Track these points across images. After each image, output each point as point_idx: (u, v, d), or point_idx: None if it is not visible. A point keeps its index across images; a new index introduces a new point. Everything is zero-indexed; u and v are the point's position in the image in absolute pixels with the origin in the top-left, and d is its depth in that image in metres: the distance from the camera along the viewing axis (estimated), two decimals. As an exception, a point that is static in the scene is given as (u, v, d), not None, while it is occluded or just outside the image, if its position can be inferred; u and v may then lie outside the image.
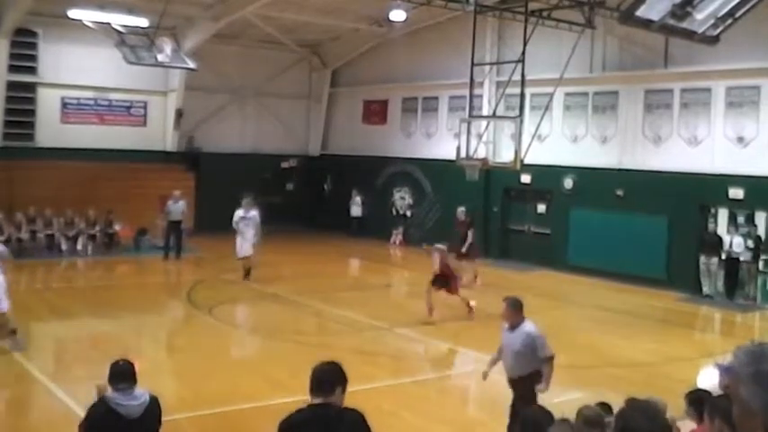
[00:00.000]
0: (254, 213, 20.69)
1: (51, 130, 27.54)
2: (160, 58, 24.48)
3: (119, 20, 24.53)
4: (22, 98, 27.05)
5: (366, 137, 31.23)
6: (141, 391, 6.12)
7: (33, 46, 27.18)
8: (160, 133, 29.61)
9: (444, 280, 16.42)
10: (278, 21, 27.41)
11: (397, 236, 28.88)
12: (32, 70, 27.27)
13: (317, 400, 5.30)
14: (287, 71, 31.80)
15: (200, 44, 27.35)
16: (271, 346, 15.08)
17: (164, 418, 6.42)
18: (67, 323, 16.95)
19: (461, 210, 21.58)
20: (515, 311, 8.85)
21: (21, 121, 27.05)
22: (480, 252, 22.44)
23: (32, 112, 27.41)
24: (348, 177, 31.19)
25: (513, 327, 8.80)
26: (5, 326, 13.38)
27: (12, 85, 26.47)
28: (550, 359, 8.71)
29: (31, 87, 27.31)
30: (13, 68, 26.36)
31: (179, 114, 29.30)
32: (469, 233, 20.89)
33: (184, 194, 24.73)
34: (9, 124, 26.63)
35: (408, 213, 29.22)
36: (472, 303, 16.58)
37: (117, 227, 25.11)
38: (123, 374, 6.10)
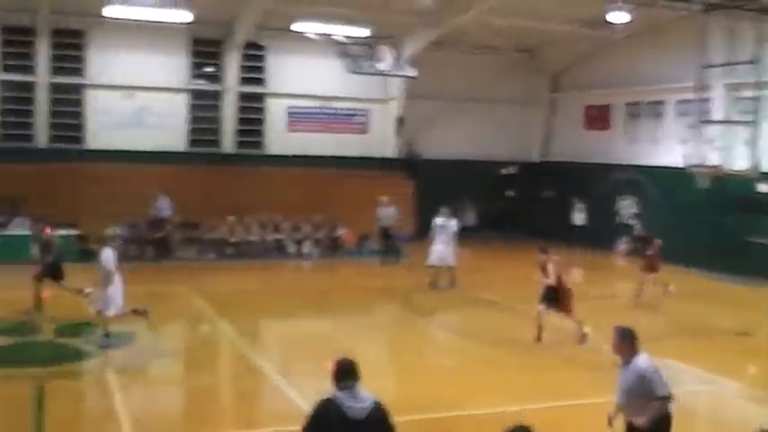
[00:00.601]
0: (453, 223, 20.59)
1: (279, 137, 28.91)
2: (381, 66, 25.00)
3: (340, 31, 25.30)
4: (252, 108, 28.64)
5: (588, 143, 30.38)
6: (367, 395, 6.05)
7: (261, 58, 28.67)
8: (381, 140, 30.25)
9: (555, 295, 14.85)
10: (495, 26, 27.24)
11: (622, 245, 27.79)
12: (261, 81, 28.76)
13: None
14: (504, 76, 31.52)
15: (418, 52, 27.69)
16: (485, 352, 14.90)
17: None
18: (293, 321, 17.60)
19: (637, 225, 20.50)
20: (625, 343, 7.46)
21: (251, 129, 28.64)
22: (698, 263, 20.92)
23: (261, 121, 28.89)
24: (569, 184, 30.44)
25: (626, 361, 7.44)
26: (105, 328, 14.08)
27: (243, 96, 28.21)
28: (664, 399, 7.31)
29: (260, 98, 28.81)
30: (244, 80, 28.08)
31: (400, 122, 29.83)
32: (653, 245, 19.79)
33: (403, 201, 25.09)
34: (241, 133, 28.32)
35: (633, 222, 28.06)
36: (586, 330, 14.73)
37: (341, 231, 25.97)
38: (348, 372, 6.11)
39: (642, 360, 7.36)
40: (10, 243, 21.49)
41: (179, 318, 17.25)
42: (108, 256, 14.02)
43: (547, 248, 15.32)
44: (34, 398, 11.01)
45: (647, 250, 19.66)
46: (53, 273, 15.93)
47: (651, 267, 19.35)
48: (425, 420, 10.47)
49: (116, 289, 14.00)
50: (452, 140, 30.83)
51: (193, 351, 14.95)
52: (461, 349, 15.29)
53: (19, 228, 22.69)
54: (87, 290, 15.64)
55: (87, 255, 22.88)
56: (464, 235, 21.48)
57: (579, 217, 29.72)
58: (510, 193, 32.16)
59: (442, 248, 20.10)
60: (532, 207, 31.88)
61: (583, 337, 14.66)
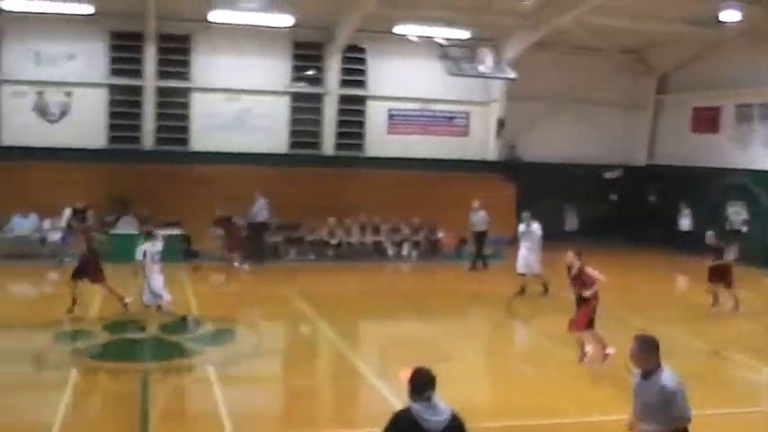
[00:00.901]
0: (536, 226, 20.10)
1: (378, 140, 28.99)
2: (481, 69, 24.80)
3: (441, 33, 25.20)
4: (353, 110, 28.80)
5: (695, 146, 29.38)
6: (444, 406, 5.91)
7: (362, 61, 28.80)
8: (481, 143, 30.01)
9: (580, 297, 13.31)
10: (597, 27, 26.69)
11: (731, 253, 26.71)
12: (361, 84, 28.89)
13: None
14: (607, 78, 30.83)
15: (519, 54, 27.37)
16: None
17: (475, 425, 6.21)
18: (391, 323, 17.55)
19: (711, 233, 19.64)
20: (646, 354, 6.77)
21: (351, 132, 28.80)
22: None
23: (361, 124, 29.01)
24: (676, 189, 29.54)
25: (647, 374, 6.78)
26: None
27: (344, 99, 28.41)
28: (685, 421, 6.73)
29: (361, 100, 28.94)
30: (344, 83, 28.29)
31: (500, 124, 29.53)
32: (726, 256, 18.94)
33: (504, 204, 24.79)
34: (341, 135, 28.52)
35: (743, 229, 27.03)
36: (610, 350, 13.18)
37: (440, 234, 25.83)
38: (426, 383, 5.97)
39: (667, 377, 6.71)
40: (118, 242, 22.06)
41: (279, 318, 17.41)
42: (139, 250, 14.51)
43: (581, 251, 13.83)
44: (141, 392, 11.22)
45: (718, 259, 18.93)
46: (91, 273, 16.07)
47: (720, 277, 18.73)
48: (513, 427, 10.32)
49: (151, 280, 14.33)
50: (554, 143, 30.31)
51: (293, 351, 15.07)
52: (556, 357, 14.93)
53: (126, 227, 23.32)
54: (127, 299, 15.78)
55: (190, 255, 23.47)
56: (565, 240, 20.99)
57: (685, 223, 28.89)
58: (613, 197, 31.41)
59: (526, 255, 19.64)
60: (637, 212, 31.05)
61: (605, 357, 13.19)
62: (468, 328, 17.48)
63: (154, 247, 14.53)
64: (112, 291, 15.98)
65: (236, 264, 22.51)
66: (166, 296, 14.66)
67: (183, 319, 14.83)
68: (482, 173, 28.85)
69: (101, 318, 15.55)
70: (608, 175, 31.19)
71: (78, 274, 15.93)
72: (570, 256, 13.42)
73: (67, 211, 22.96)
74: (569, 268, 13.38)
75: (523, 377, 13.14)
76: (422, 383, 5.88)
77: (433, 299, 19.90)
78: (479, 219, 23.64)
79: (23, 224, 23.57)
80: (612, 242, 28.26)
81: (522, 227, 20.15)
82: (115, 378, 12.42)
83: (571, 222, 30.22)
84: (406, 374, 5.99)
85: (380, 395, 11.49)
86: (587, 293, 13.10)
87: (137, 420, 10.07)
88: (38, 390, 11.80)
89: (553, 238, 20.74)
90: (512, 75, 25.65)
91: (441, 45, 24.99)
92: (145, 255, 14.46)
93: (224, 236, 23.30)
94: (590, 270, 13.33)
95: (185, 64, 27.57)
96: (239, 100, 27.71)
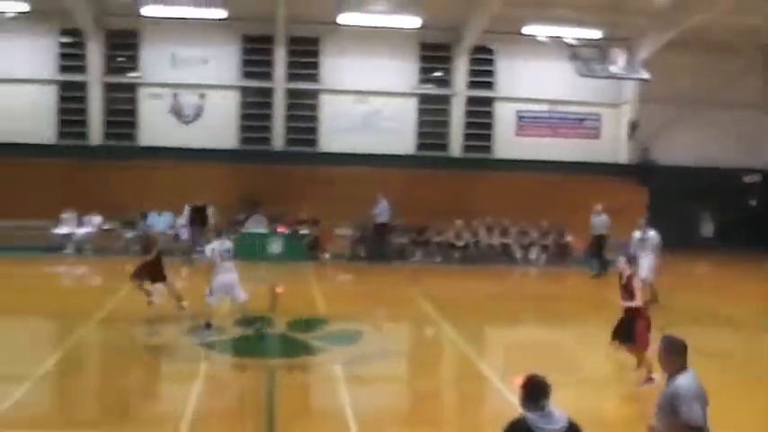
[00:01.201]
0: (652, 234, 19.17)
1: (507, 142, 28.72)
2: (613, 69, 24.14)
3: (571, 33, 24.72)
4: (481, 112, 28.59)
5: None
6: (560, 414, 5.68)
7: (490, 62, 28.56)
8: (612, 146, 29.30)
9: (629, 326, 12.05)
10: (733, 25, 25.60)
11: None
12: (489, 85, 28.65)
13: None
14: (744, 78, 29.47)
15: (652, 54, 26.57)
16: (714, 373, 13.77)
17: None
18: (518, 328, 17.26)
19: None
20: (670, 355, 6.52)
21: (479, 133, 28.59)
22: None
23: (489, 125, 28.75)
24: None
25: (670, 376, 6.47)
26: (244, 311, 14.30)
27: (471, 100, 28.27)
28: (694, 429, 6.25)
29: (489, 102, 28.67)
30: (472, 84, 28.13)
31: (633, 127, 28.75)
32: None
33: (636, 209, 23.99)
34: (468, 137, 28.40)
35: None
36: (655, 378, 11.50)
37: (569, 238, 25.25)
38: (541, 392, 5.73)
39: (682, 382, 6.39)
40: (246, 240, 22.51)
41: (404, 319, 17.34)
42: (208, 248, 14.55)
43: (632, 258, 12.92)
44: (267, 388, 11.33)
45: None
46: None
47: None
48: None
49: (220, 276, 14.26)
50: (689, 145, 29.27)
51: (417, 352, 14.97)
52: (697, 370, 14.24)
53: (255, 226, 23.76)
54: (184, 303, 15.68)
55: (318, 254, 23.73)
56: (700, 247, 20.21)
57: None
58: (752, 202, 30.02)
59: (642, 263, 18.81)
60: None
61: (648, 380, 11.64)
62: (595, 335, 16.90)
63: (222, 245, 14.51)
64: (173, 290, 15.84)
65: (326, 256, 22.98)
66: (240, 295, 14.57)
67: (208, 326, 14.58)
68: (613, 176, 28.12)
69: (231, 313, 15.82)
70: (747, 179, 29.81)
71: (142, 274, 15.72)
72: (622, 263, 12.47)
73: (187, 209, 23.49)
74: (621, 275, 12.39)
75: (652, 389, 12.57)
76: (536, 392, 5.72)
77: (560, 304, 19.48)
78: (600, 222, 22.95)
79: (158, 222, 24.30)
80: (751, 250, 26.95)
81: (636, 234, 19.33)
82: (243, 373, 12.60)
83: (706, 229, 29.10)
84: (519, 381, 5.80)
85: (505, 399, 11.24)
86: (632, 304, 12.08)
87: (263, 415, 10.16)
88: (171, 380, 12.21)
89: (687, 245, 19.97)
90: (645, 75, 24.86)
91: (571, 45, 24.50)
92: (213, 253, 14.45)
93: (314, 236, 23.62)
94: (636, 283, 12.28)
95: (314, 66, 28.01)
96: (367, 102, 27.94)
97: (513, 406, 10.28)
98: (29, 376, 11.23)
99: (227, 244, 14.62)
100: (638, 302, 12.05)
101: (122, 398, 11.09)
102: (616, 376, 13.70)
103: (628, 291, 12.16)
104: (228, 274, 14.36)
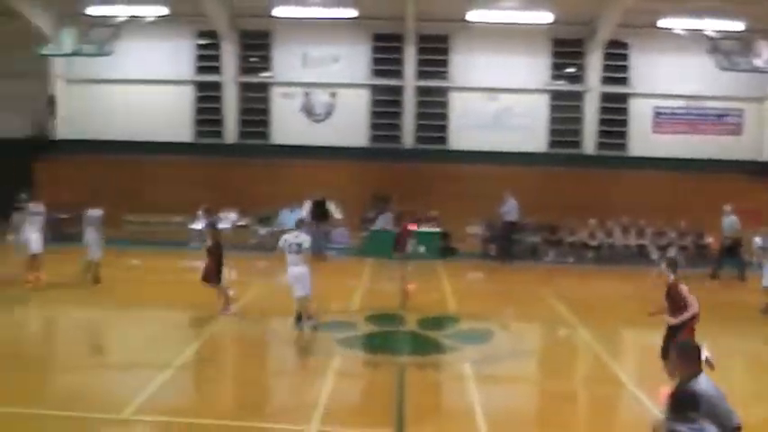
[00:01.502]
0: None
1: (643, 139, 27.92)
2: (757, 63, 23.17)
3: (711, 25, 23.81)
4: (615, 108, 27.87)
5: None
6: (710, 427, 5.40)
7: (625, 57, 27.82)
8: (756, 142, 28.04)
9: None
10: None
11: None
12: (624, 81, 27.91)
13: None
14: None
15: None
16: None
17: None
18: (654, 332, 16.56)
19: None
20: (681, 361, 6.42)
21: (613, 130, 27.89)
22: None
23: (624, 122, 28.01)
24: None
25: (684, 380, 6.36)
26: (308, 310, 14.17)
27: (605, 96, 27.59)
28: (734, 429, 6.11)
29: (623, 98, 27.94)
30: (606, 80, 27.46)
31: (778, 122, 27.45)
32: None
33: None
34: (602, 134, 27.77)
35: None
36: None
37: (709, 239, 24.21)
38: (689, 404, 5.46)
39: (703, 382, 6.28)
40: (374, 238, 22.61)
41: (536, 318, 17.03)
42: (282, 238, 14.39)
43: (676, 262, 11.47)
44: (397, 384, 11.33)
45: None
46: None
47: None
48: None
49: (288, 269, 14.07)
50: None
51: (549, 353, 14.71)
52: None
53: (384, 224, 23.82)
54: (232, 307, 15.52)
55: (448, 252, 23.59)
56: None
57: None
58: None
59: (765, 272, 17.79)
60: None
61: None
62: (731, 344, 16.14)
63: (296, 238, 14.32)
64: (222, 293, 15.67)
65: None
66: (300, 291, 14.15)
67: (299, 318, 14.30)
68: (757, 175, 26.87)
69: (363, 310, 15.93)
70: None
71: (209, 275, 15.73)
72: (663, 267, 11.13)
73: (308, 204, 23.40)
74: (672, 294, 10.88)
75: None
76: (684, 405, 5.70)
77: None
78: (729, 224, 21.91)
79: (291, 219, 24.62)
80: None
81: (757, 241, 18.35)
82: (374, 369, 12.68)
83: None
84: (665, 392, 5.56)
85: (639, 404, 10.88)
86: (673, 321, 10.78)
87: (393, 411, 10.16)
88: (305, 374, 12.40)
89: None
90: (792, 68, 23.69)
91: (710, 38, 23.63)
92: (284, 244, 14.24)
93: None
94: (684, 290, 10.79)
95: (444, 64, 27.97)
96: (497, 99, 27.67)
97: (651, 412, 9.98)
98: (169, 364, 11.75)
99: (301, 237, 14.38)
100: (679, 320, 10.69)
101: (256, 389, 11.42)
102: (752, 388, 13.04)
103: (674, 303, 10.84)
104: (294, 268, 14.15)
